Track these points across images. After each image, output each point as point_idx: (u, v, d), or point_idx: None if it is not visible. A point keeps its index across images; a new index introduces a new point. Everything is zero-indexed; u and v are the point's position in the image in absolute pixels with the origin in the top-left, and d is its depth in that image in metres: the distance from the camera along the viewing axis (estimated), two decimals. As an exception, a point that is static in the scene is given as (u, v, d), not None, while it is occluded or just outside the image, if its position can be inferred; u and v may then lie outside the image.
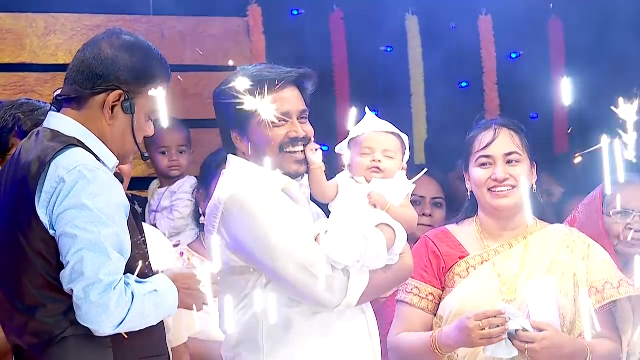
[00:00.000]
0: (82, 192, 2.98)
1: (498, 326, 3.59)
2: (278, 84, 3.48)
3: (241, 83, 3.40)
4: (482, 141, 3.87)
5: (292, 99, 3.51)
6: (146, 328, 3.06)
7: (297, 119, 3.51)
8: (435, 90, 6.31)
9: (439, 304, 3.86)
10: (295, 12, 6.05)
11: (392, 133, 3.63)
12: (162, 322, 3.20)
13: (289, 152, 3.49)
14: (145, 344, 3.09)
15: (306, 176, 3.59)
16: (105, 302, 2.94)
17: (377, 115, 3.71)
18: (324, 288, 3.35)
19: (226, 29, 5.67)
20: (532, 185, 3.90)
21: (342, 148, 3.66)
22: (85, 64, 3.14)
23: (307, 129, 3.54)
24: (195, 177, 5.18)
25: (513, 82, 6.29)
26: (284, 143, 3.48)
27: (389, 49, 6.32)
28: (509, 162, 3.84)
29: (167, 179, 5.25)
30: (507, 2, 5.88)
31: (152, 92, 3.17)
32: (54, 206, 2.99)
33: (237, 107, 3.42)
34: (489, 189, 3.84)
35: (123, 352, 3.06)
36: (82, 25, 5.65)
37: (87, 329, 2.99)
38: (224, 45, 4.98)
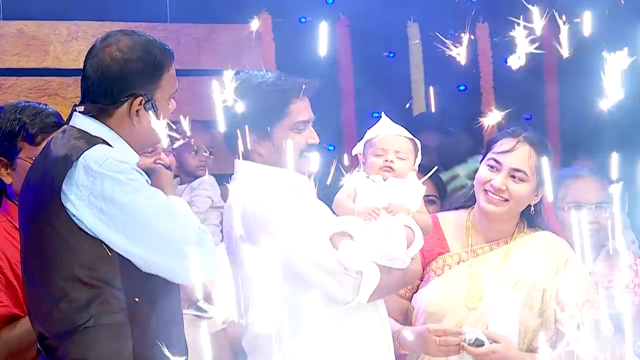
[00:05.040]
0: (121, 179, 3.00)
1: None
2: (300, 94, 3.53)
3: (265, 91, 3.47)
4: (501, 146, 3.77)
5: (309, 107, 3.58)
6: (166, 318, 3.09)
7: (312, 126, 3.58)
8: (434, 93, 6.32)
9: (415, 292, 3.84)
10: (303, 20, 6.07)
11: (405, 136, 3.68)
12: (182, 314, 3.22)
13: (306, 155, 3.55)
14: (164, 336, 3.09)
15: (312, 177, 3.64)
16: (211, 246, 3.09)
17: (379, 116, 3.75)
18: (337, 285, 3.39)
19: (238, 36, 5.68)
20: (531, 206, 3.79)
21: (357, 149, 3.71)
22: (101, 80, 3.14)
23: (317, 136, 3.60)
24: (213, 175, 5.26)
25: (508, 85, 6.31)
26: (304, 148, 3.54)
27: (391, 55, 6.34)
28: (513, 176, 3.73)
29: (188, 177, 5.30)
30: (503, 11, 5.90)
31: (165, 79, 3.20)
32: (98, 200, 3.00)
33: (260, 113, 3.46)
34: (484, 190, 3.77)
35: (142, 342, 3.07)
36: (102, 32, 5.56)
37: (109, 319, 3.01)
38: (236, 50, 5.01)
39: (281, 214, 3.42)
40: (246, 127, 3.49)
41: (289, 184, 3.51)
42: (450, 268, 3.81)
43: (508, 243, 3.82)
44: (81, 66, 3.20)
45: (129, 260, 3.04)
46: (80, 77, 3.20)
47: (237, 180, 3.58)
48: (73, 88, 5.50)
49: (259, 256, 3.45)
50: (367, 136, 3.70)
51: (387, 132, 3.68)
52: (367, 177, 3.62)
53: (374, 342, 3.53)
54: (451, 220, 3.92)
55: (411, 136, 3.69)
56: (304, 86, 3.54)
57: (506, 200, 3.74)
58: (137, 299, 3.04)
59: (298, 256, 3.39)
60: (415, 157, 3.68)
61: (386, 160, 3.61)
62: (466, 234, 3.87)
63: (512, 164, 3.74)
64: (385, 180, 3.59)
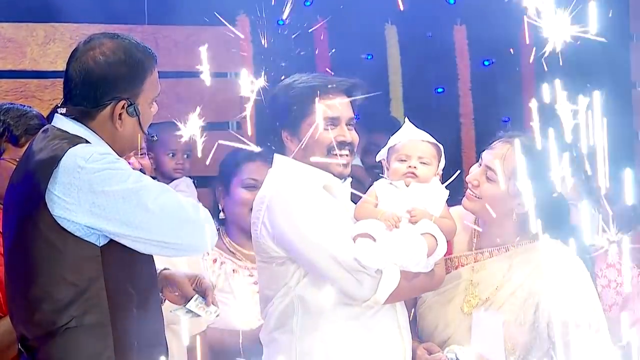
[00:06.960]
0: (109, 171, 3.02)
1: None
2: (330, 91, 3.57)
3: (295, 88, 3.57)
4: (490, 145, 3.69)
5: (341, 105, 3.60)
6: (147, 317, 3.10)
7: (345, 124, 3.57)
8: (413, 95, 6.33)
9: None
10: (281, 22, 6.06)
11: (428, 141, 3.66)
12: (162, 314, 3.21)
13: (335, 154, 3.56)
14: (144, 335, 3.11)
15: (349, 179, 3.65)
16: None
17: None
18: (355, 282, 3.42)
19: (216, 38, 5.66)
20: (513, 213, 3.64)
21: (381, 155, 3.71)
22: (84, 83, 3.15)
23: (354, 135, 3.63)
24: (189, 177, 5.24)
25: (486, 87, 6.32)
26: (332, 146, 3.56)
27: (369, 57, 6.34)
28: (486, 174, 3.63)
29: (165, 179, 5.28)
30: (481, 13, 5.92)
31: (147, 82, 3.20)
32: (88, 195, 3.00)
33: (290, 109, 3.56)
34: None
35: (123, 342, 3.07)
36: (80, 34, 5.63)
37: (90, 319, 3.02)
38: (214, 53, 4.99)
39: (304, 209, 3.46)
40: (279, 123, 3.62)
41: (317, 180, 3.54)
42: (449, 273, 3.73)
43: (509, 250, 3.70)
44: (59, 68, 3.20)
45: (112, 260, 3.05)
46: (57, 79, 3.20)
47: (270, 174, 3.65)
48: (50, 90, 5.47)
49: (279, 251, 3.48)
50: (390, 142, 3.70)
51: (410, 137, 3.67)
52: (390, 183, 3.61)
53: (389, 350, 3.55)
54: (461, 217, 3.76)
55: (435, 141, 3.67)
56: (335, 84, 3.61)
57: (478, 197, 3.64)
58: (119, 299, 3.03)
59: (318, 251, 3.42)
60: (439, 161, 3.66)
61: (409, 166, 3.61)
62: (472, 233, 3.78)
63: (485, 160, 3.67)
64: (407, 185, 3.58)
